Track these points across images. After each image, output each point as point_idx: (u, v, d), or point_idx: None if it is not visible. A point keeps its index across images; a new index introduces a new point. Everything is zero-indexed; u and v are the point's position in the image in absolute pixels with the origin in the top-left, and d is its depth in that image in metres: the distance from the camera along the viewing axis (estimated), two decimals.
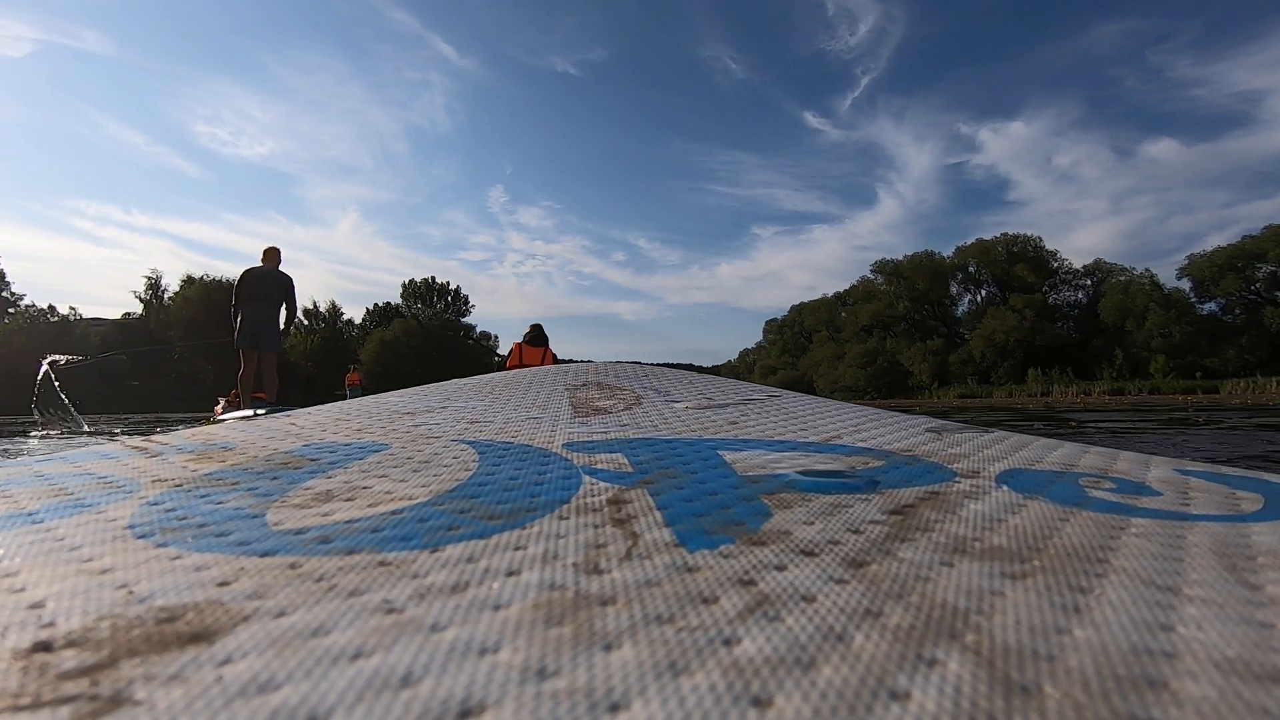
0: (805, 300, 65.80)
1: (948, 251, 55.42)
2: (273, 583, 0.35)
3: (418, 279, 58.29)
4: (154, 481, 0.58)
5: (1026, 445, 0.76)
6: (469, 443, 0.71)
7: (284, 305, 6.11)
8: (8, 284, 45.23)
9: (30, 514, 0.49)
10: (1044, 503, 0.51)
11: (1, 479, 0.60)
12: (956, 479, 0.58)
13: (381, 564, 0.38)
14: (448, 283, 58.74)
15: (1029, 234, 52.32)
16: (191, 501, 0.51)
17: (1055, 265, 51.11)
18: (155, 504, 0.51)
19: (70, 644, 0.29)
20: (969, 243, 54.06)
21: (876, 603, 0.33)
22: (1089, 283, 50.63)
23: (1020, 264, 50.31)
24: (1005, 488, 0.56)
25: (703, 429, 0.79)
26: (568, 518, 0.46)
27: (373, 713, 0.24)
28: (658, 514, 0.46)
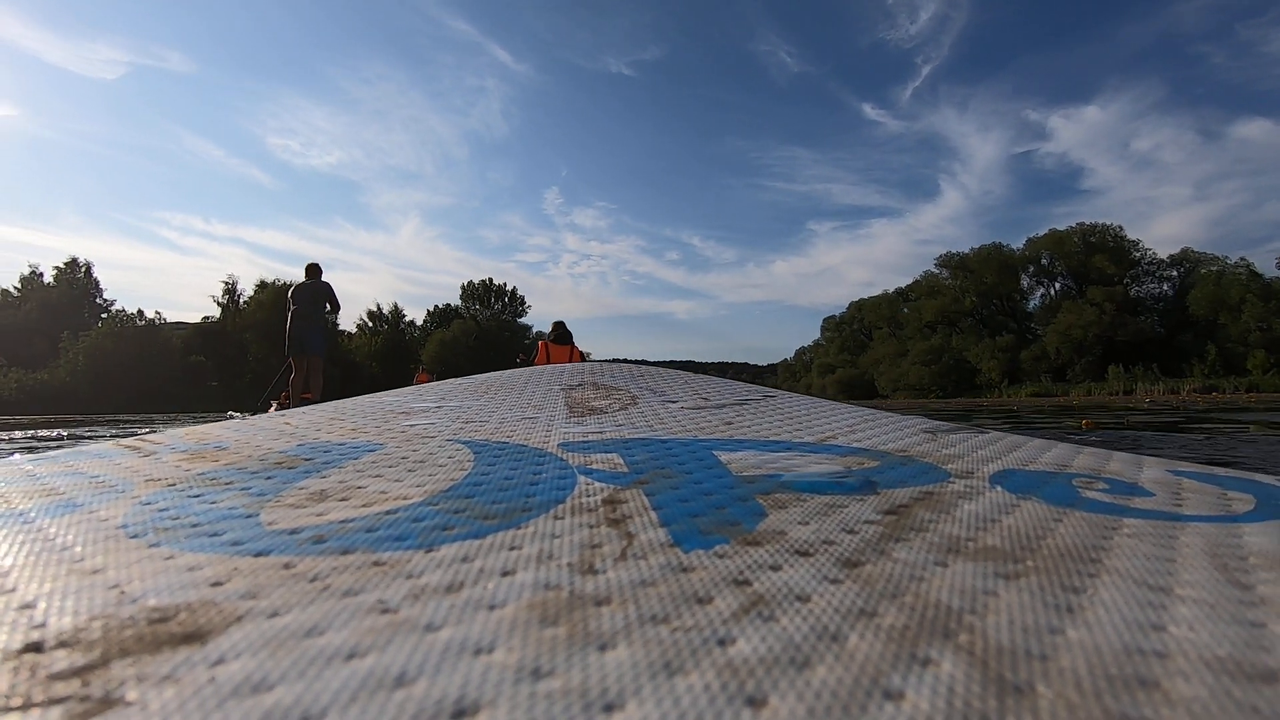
0: (865, 296, 62.79)
1: (1017, 243, 51.85)
2: (266, 583, 0.35)
3: (476, 281, 59.48)
4: (146, 481, 0.57)
5: (1020, 446, 0.77)
6: (464, 442, 0.71)
7: (325, 308, 6.91)
8: (101, 291, 48.19)
9: (20, 514, 0.48)
10: (1037, 503, 0.51)
11: None
12: (951, 479, 0.58)
13: (376, 564, 0.38)
14: (505, 284, 60.00)
15: (1108, 223, 48.51)
16: (184, 501, 0.51)
17: (1137, 255, 47.10)
18: (148, 504, 0.50)
19: (61, 644, 0.29)
20: (1041, 234, 50.39)
21: (871, 602, 0.33)
22: (1175, 274, 46.34)
23: (1099, 255, 46.47)
24: (999, 488, 0.56)
25: (698, 429, 0.79)
26: (563, 518, 0.46)
27: (367, 713, 0.24)
28: (653, 514, 0.46)
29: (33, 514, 0.48)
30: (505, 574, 0.36)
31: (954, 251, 54.96)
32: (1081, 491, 0.56)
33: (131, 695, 0.25)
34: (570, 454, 0.65)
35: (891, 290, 60.31)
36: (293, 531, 0.43)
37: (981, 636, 0.30)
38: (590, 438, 0.73)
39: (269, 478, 0.58)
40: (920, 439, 0.78)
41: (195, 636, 0.30)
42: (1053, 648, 0.29)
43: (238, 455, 0.67)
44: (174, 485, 0.56)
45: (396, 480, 0.56)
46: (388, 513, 0.47)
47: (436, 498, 0.50)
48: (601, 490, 0.52)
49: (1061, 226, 50.31)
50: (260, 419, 0.89)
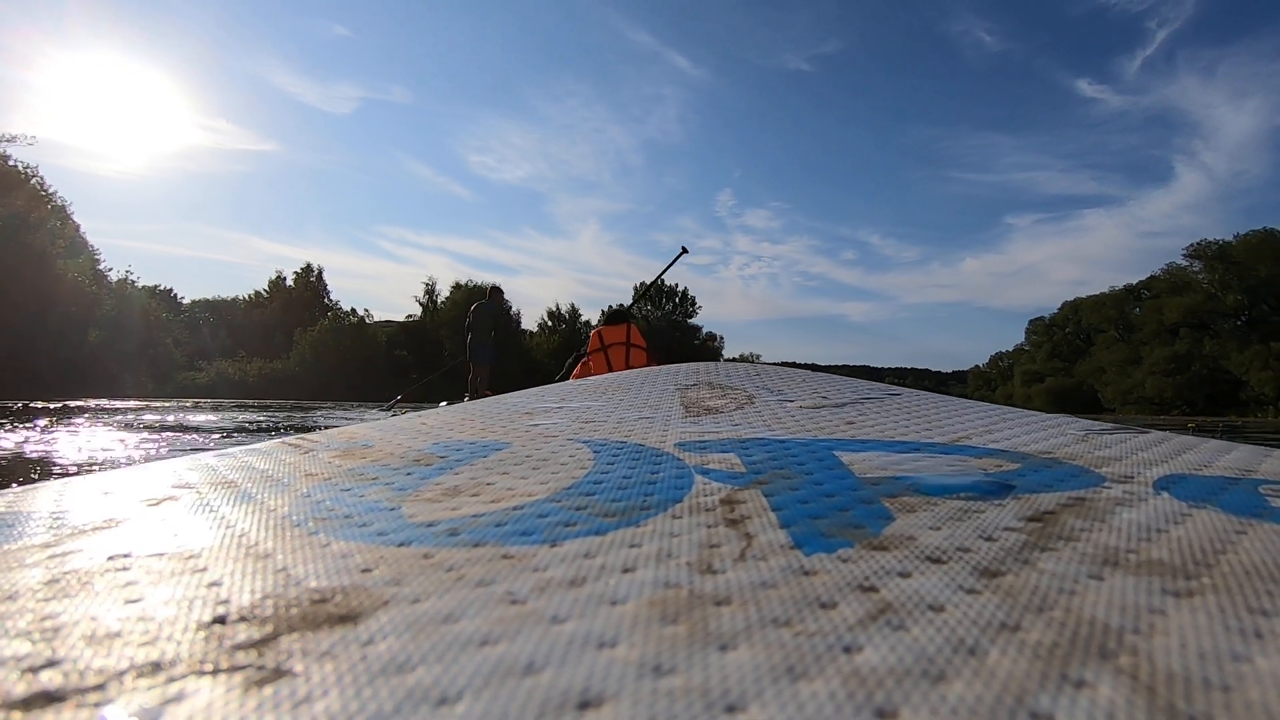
0: (1076, 296, 55.00)
1: None
2: (408, 571, 0.38)
3: (648, 282, 62.05)
4: (306, 476, 0.64)
5: (1191, 448, 0.68)
6: (584, 442, 0.73)
7: (493, 330, 8.56)
8: (328, 293, 56.65)
9: (206, 502, 0.55)
10: (1214, 513, 0.45)
11: (182, 470, 0.68)
12: (1106, 484, 0.53)
13: (505, 557, 0.39)
14: (676, 285, 62.56)
15: None
16: (337, 495, 0.56)
17: None
18: (307, 496, 0.56)
19: (241, 619, 0.33)
20: None
21: (1014, 616, 0.31)
22: None
23: None
24: (1165, 494, 0.50)
25: (818, 428, 0.77)
26: (681, 517, 0.46)
27: (498, 698, 0.25)
28: (772, 515, 0.46)
29: (215, 503, 0.55)
30: (626, 571, 0.37)
31: (1210, 240, 45.65)
32: (1270, 500, 0.49)
33: (298, 668, 0.28)
34: (687, 453, 0.65)
35: (1120, 287, 51.70)
36: (430, 524, 0.47)
37: (1147, 659, 0.27)
38: (707, 437, 0.73)
39: (409, 474, 0.63)
40: (1068, 440, 0.71)
41: (349, 618, 0.32)
42: (1237, 677, 0.26)
43: (381, 453, 0.73)
44: (329, 480, 0.62)
45: (522, 478, 0.58)
46: (515, 508, 0.49)
47: (559, 495, 0.52)
48: (719, 490, 0.52)
49: None
50: (400, 419, 0.97)
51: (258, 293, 55.31)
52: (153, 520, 0.51)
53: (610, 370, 4.88)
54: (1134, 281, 51.47)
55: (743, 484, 0.54)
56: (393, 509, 0.51)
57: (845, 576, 0.35)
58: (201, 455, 0.78)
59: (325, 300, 54.46)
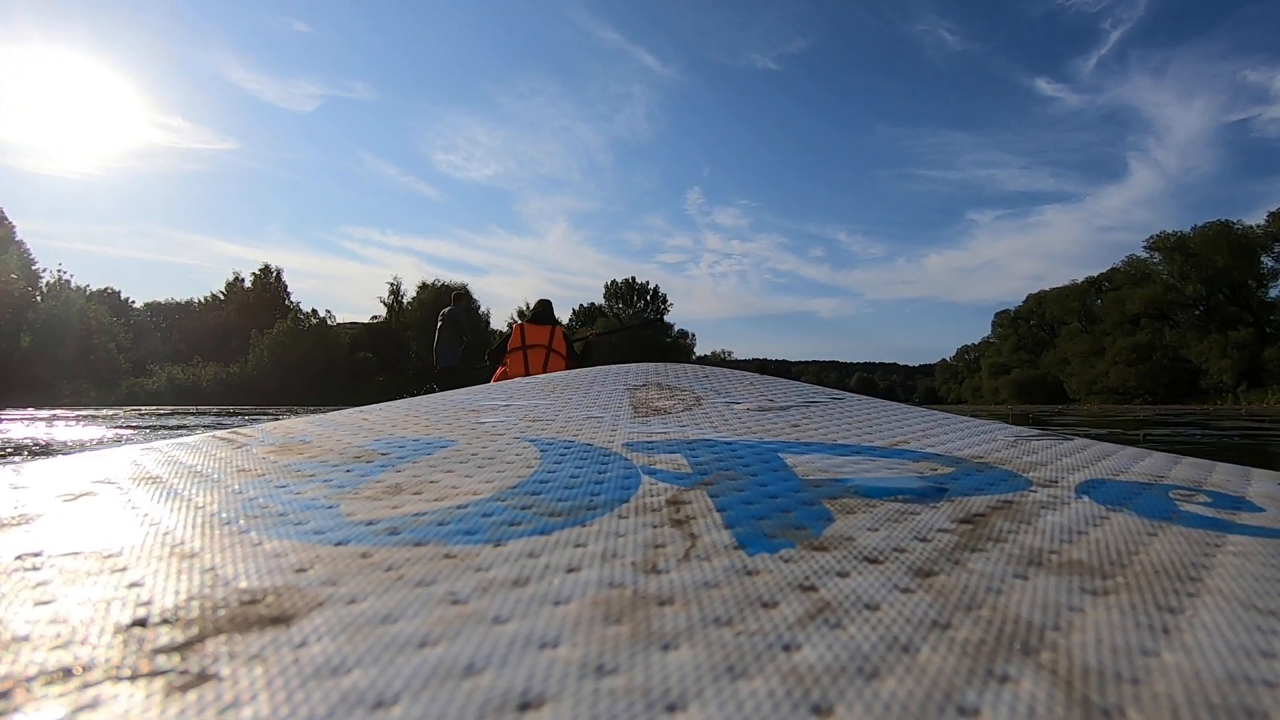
0: (1035, 291, 55.56)
1: (1251, 222, 42.86)
2: (345, 570, 0.37)
3: (619, 280, 62.00)
4: (238, 471, 0.61)
5: (1110, 454, 0.72)
6: (531, 440, 0.72)
7: (459, 336, 8.52)
8: (289, 294, 53.52)
9: (128, 499, 0.52)
10: (1129, 516, 0.48)
11: (103, 465, 0.65)
12: (1032, 488, 0.55)
13: (447, 556, 0.39)
14: (647, 283, 61.95)
15: None
16: (271, 491, 0.54)
17: None
18: (239, 492, 0.54)
19: (164, 621, 0.31)
20: None
21: (945, 614, 0.32)
22: None
23: None
24: (1086, 498, 0.53)
25: (764, 431, 0.78)
26: (627, 517, 0.46)
27: (437, 700, 0.25)
28: (717, 515, 0.46)
29: (138, 499, 0.52)
30: (570, 570, 0.37)
31: (1169, 231, 46.14)
32: (1180, 504, 0.53)
33: (224, 671, 0.27)
34: (635, 454, 0.65)
35: (1081, 279, 52.41)
36: (369, 523, 0.45)
37: (1066, 655, 0.28)
38: (655, 438, 0.73)
39: (348, 471, 0.61)
40: (999, 445, 0.74)
41: (281, 619, 0.31)
42: (1146, 671, 0.27)
43: (320, 448, 0.71)
44: (262, 476, 0.59)
45: (467, 476, 0.58)
46: (458, 507, 0.48)
47: (505, 494, 0.52)
48: (665, 490, 0.52)
49: None
50: (341, 414, 0.94)
51: (214, 295, 52.29)
52: (69, 517, 0.48)
53: (528, 373, 4.73)
54: (1093, 275, 52.81)
55: (689, 485, 0.54)
56: (330, 507, 0.49)
57: (786, 576, 0.36)
58: (125, 449, 0.74)
59: (285, 302, 51.88)
